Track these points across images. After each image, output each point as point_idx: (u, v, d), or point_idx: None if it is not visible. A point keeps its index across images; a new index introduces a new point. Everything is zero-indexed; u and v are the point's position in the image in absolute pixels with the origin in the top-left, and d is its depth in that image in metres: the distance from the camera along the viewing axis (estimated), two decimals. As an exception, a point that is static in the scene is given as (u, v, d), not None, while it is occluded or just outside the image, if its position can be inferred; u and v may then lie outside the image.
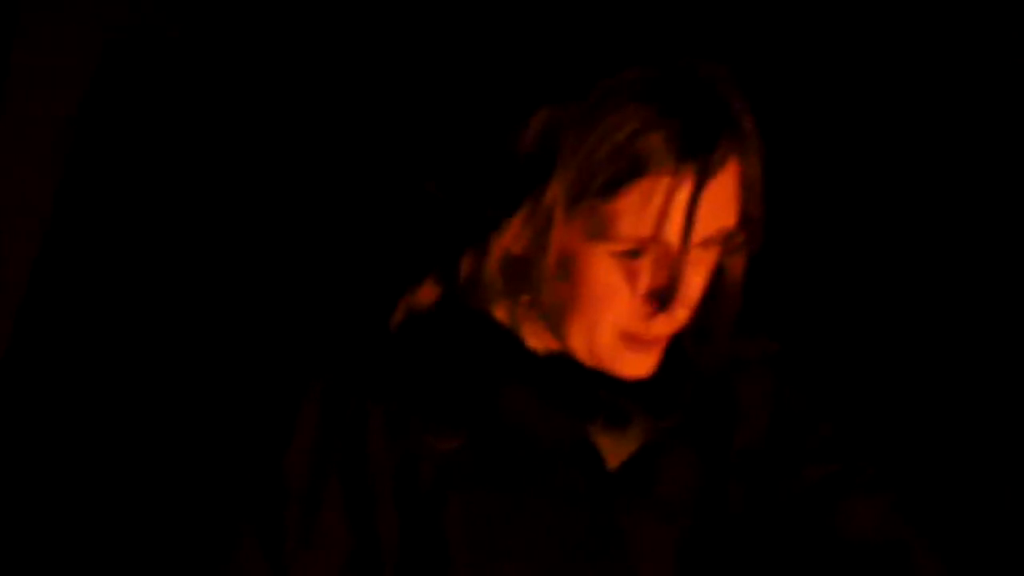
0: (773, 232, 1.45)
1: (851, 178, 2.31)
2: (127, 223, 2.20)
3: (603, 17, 1.57)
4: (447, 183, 1.44)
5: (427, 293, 1.46)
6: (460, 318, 1.44)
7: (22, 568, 2.16)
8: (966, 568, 1.67)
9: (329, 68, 2.20)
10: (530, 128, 1.36)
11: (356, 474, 1.41)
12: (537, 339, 1.46)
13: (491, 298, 1.43)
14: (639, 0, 1.87)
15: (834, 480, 1.53)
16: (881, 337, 2.28)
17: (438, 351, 1.43)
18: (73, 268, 2.21)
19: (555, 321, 1.41)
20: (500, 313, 1.45)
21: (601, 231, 1.35)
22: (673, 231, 1.34)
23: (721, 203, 1.36)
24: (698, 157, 1.32)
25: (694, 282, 1.38)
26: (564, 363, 1.44)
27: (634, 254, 1.36)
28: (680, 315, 1.38)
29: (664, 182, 1.33)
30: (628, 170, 1.32)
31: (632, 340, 1.40)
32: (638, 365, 1.42)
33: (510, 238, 1.38)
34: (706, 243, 1.37)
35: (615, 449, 1.46)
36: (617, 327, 1.39)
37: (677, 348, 1.45)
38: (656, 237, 1.34)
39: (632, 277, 1.37)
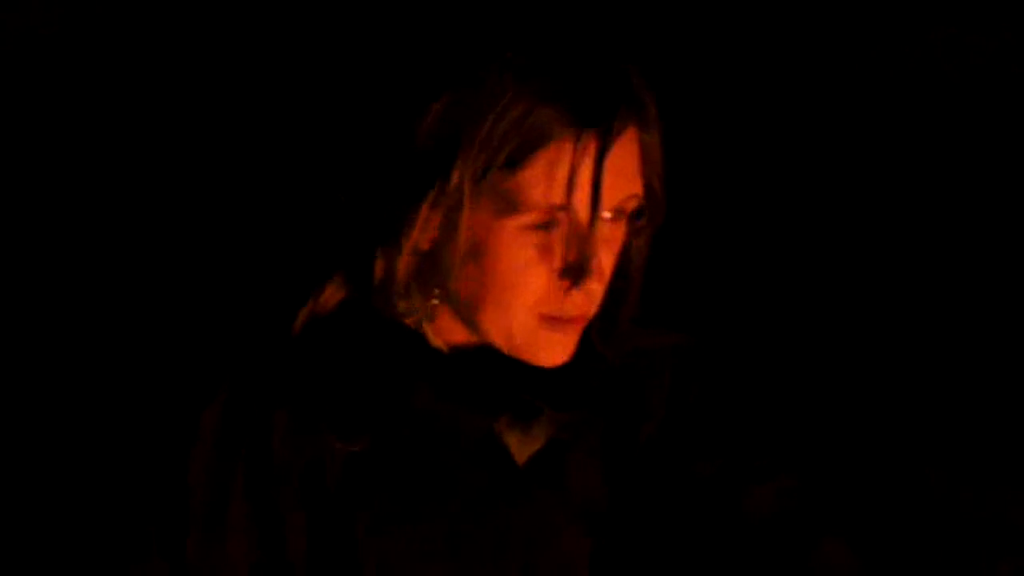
0: (689, 226, 1.42)
1: (769, 174, 2.32)
2: (13, 231, 2.18)
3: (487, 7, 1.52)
4: (348, 184, 1.42)
5: (331, 295, 1.44)
6: (364, 319, 1.42)
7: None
8: (875, 552, 1.66)
9: (224, 70, 2.17)
10: (425, 118, 1.35)
11: (261, 483, 1.39)
12: (451, 335, 1.44)
13: (404, 297, 1.41)
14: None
15: (730, 471, 1.50)
16: (792, 329, 2.28)
17: (342, 353, 1.41)
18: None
19: (470, 312, 1.40)
20: (411, 311, 1.43)
21: (511, 205, 1.34)
22: (581, 197, 1.34)
23: (624, 172, 1.37)
24: (599, 125, 1.33)
25: (606, 256, 1.38)
26: (473, 358, 1.43)
27: (546, 226, 1.35)
28: (595, 289, 1.38)
29: (567, 149, 1.33)
30: (532, 141, 1.33)
31: (550, 321, 1.38)
32: (556, 349, 1.40)
33: (418, 233, 1.37)
34: (614, 216, 1.38)
35: (522, 445, 1.45)
36: (534, 308, 1.37)
37: (584, 342, 1.44)
38: (565, 204, 1.34)
39: (545, 253, 1.36)
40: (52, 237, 2.17)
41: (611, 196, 1.35)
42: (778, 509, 1.52)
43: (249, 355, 1.43)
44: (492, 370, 1.42)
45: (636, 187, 1.38)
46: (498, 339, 1.39)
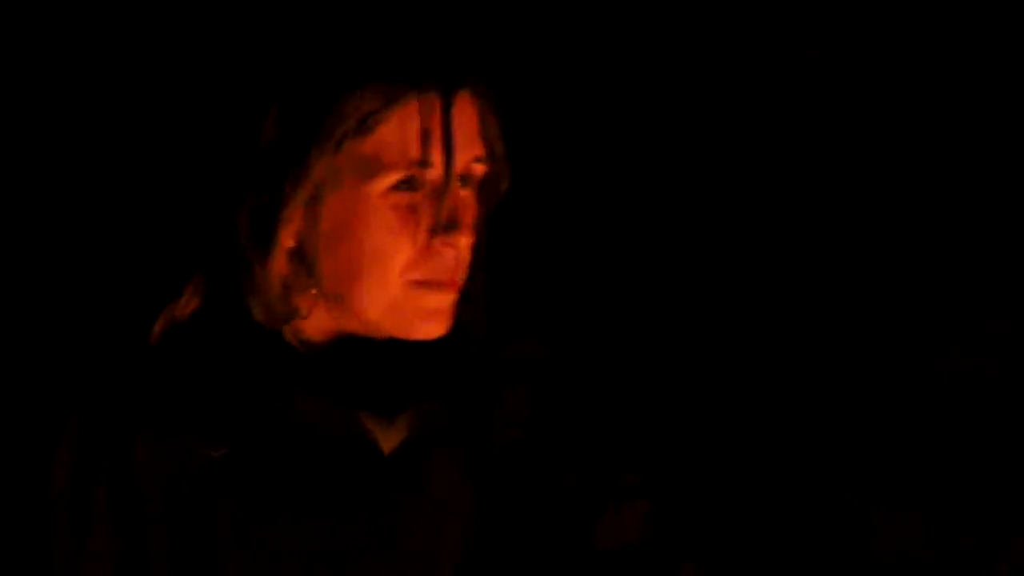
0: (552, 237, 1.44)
1: (630, 185, 2.35)
2: None
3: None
4: (204, 191, 1.44)
5: (187, 303, 1.45)
6: (222, 324, 1.43)
7: None
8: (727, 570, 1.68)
9: (83, 76, 2.16)
10: (268, 118, 1.39)
11: (123, 503, 1.39)
12: (321, 331, 1.45)
13: (283, 299, 1.42)
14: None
15: (592, 488, 1.53)
16: (654, 343, 2.30)
17: (201, 360, 1.42)
18: None
19: (345, 294, 1.42)
20: (292, 312, 1.44)
21: (371, 169, 1.38)
22: (436, 148, 1.39)
23: (467, 131, 1.42)
24: (439, 85, 1.40)
25: (468, 212, 1.42)
26: (335, 354, 1.45)
27: (408, 185, 1.39)
28: (463, 245, 1.41)
29: (414, 107, 1.39)
30: (380, 107, 1.38)
31: (424, 286, 1.41)
32: (433, 320, 1.43)
33: (282, 231, 1.40)
34: (464, 176, 1.42)
35: (387, 435, 1.47)
36: (406, 274, 1.40)
37: (448, 338, 1.46)
38: (422, 158, 1.38)
39: (411, 213, 1.39)
40: None
41: (461, 153, 1.40)
42: (637, 529, 1.55)
43: (106, 368, 1.43)
44: (355, 364, 1.44)
45: (479, 148, 1.43)
46: (375, 316, 1.41)
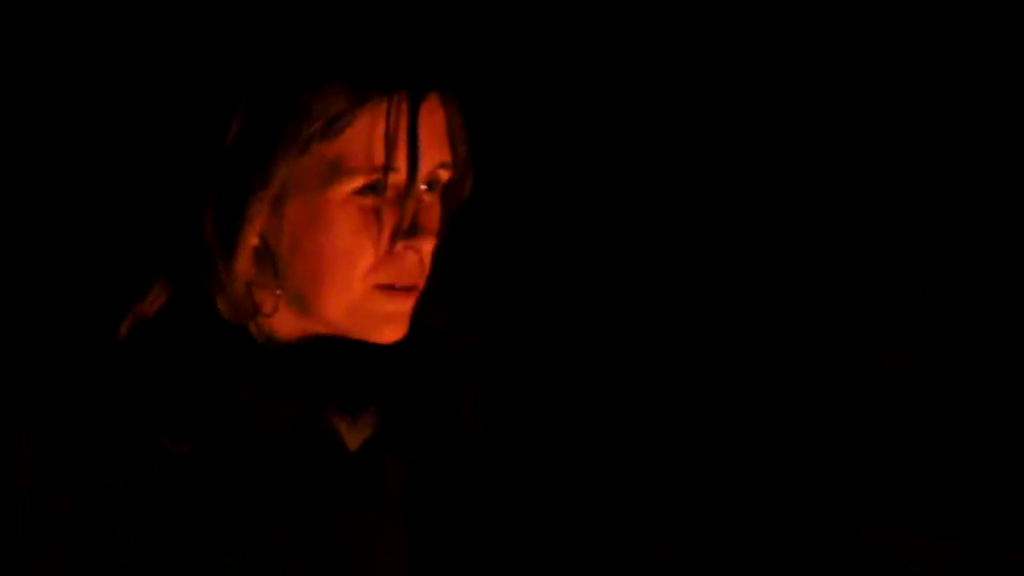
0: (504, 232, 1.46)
1: (576, 181, 2.38)
2: None
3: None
4: (171, 192, 1.46)
5: (155, 299, 1.46)
6: (188, 321, 1.45)
7: None
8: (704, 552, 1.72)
9: (52, 70, 2.16)
10: (235, 116, 1.41)
11: (86, 503, 1.40)
12: (285, 329, 1.47)
13: (247, 297, 1.44)
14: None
15: (553, 471, 1.56)
16: (606, 334, 2.34)
17: (166, 355, 1.44)
18: None
19: (308, 295, 1.43)
20: (255, 310, 1.46)
21: (336, 172, 1.40)
22: (402, 154, 1.41)
23: (434, 137, 1.44)
24: (407, 88, 1.41)
25: (432, 217, 1.45)
26: (299, 352, 1.47)
27: (372, 189, 1.41)
28: (426, 250, 1.44)
29: (381, 112, 1.40)
30: (346, 108, 1.40)
31: (386, 291, 1.43)
32: (393, 323, 1.45)
33: (247, 230, 1.42)
34: (429, 186, 1.45)
35: (353, 433, 1.50)
36: (369, 278, 1.42)
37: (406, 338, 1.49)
38: (387, 164, 1.40)
39: (374, 217, 1.41)
40: None
41: (426, 159, 1.42)
42: (602, 509, 1.59)
43: (68, 365, 1.44)
44: (319, 362, 1.47)
45: (445, 154, 1.45)
46: (337, 318, 1.43)
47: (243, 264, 1.42)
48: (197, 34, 1.56)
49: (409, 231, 1.42)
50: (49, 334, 1.50)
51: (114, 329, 1.44)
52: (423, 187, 1.43)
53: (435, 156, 1.44)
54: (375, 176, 1.40)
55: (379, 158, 1.40)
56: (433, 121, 1.43)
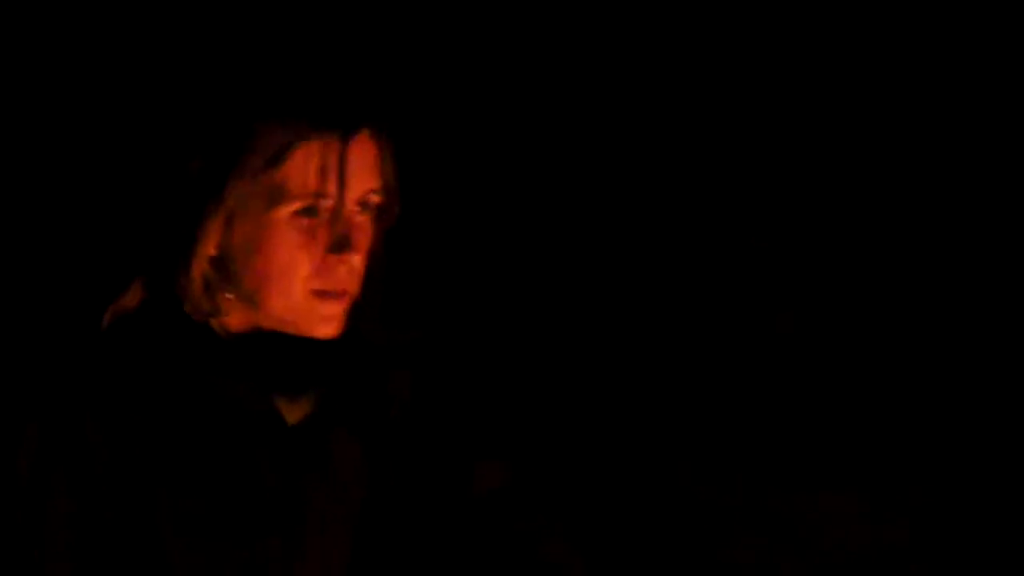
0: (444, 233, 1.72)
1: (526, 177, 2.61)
2: None
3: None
4: (143, 209, 1.74)
5: (133, 296, 1.75)
6: (160, 317, 1.74)
7: None
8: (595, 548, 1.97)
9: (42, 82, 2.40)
10: (196, 152, 1.70)
11: (83, 484, 1.67)
12: (239, 325, 1.75)
13: (205, 296, 1.73)
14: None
15: (460, 460, 1.82)
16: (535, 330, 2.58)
17: (141, 345, 1.72)
18: None
19: (257, 298, 1.72)
20: (213, 308, 1.74)
21: (277, 197, 1.68)
22: (332, 182, 1.69)
23: (364, 166, 1.72)
24: (339, 127, 1.70)
25: (361, 234, 1.73)
26: (252, 344, 1.75)
27: (309, 212, 1.69)
28: (355, 263, 1.71)
29: (316, 147, 1.69)
30: (286, 145, 1.68)
31: (321, 295, 1.71)
32: (328, 322, 1.73)
33: (206, 243, 1.71)
34: (361, 208, 1.72)
35: (292, 410, 1.78)
36: (307, 284, 1.70)
37: (345, 334, 1.76)
38: (321, 190, 1.68)
39: (311, 235, 1.69)
40: None
41: (355, 185, 1.70)
42: (503, 503, 1.84)
43: (60, 356, 1.70)
44: (269, 353, 1.75)
45: (375, 182, 1.73)
46: (282, 317, 1.72)
47: (201, 270, 1.71)
48: (168, 82, 1.83)
49: (340, 247, 1.69)
50: (42, 328, 1.76)
51: (97, 323, 1.72)
52: (355, 209, 1.71)
53: (364, 183, 1.71)
54: (309, 201, 1.68)
55: (313, 185, 1.68)
56: (362, 153, 1.71)
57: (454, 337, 2.22)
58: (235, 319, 1.75)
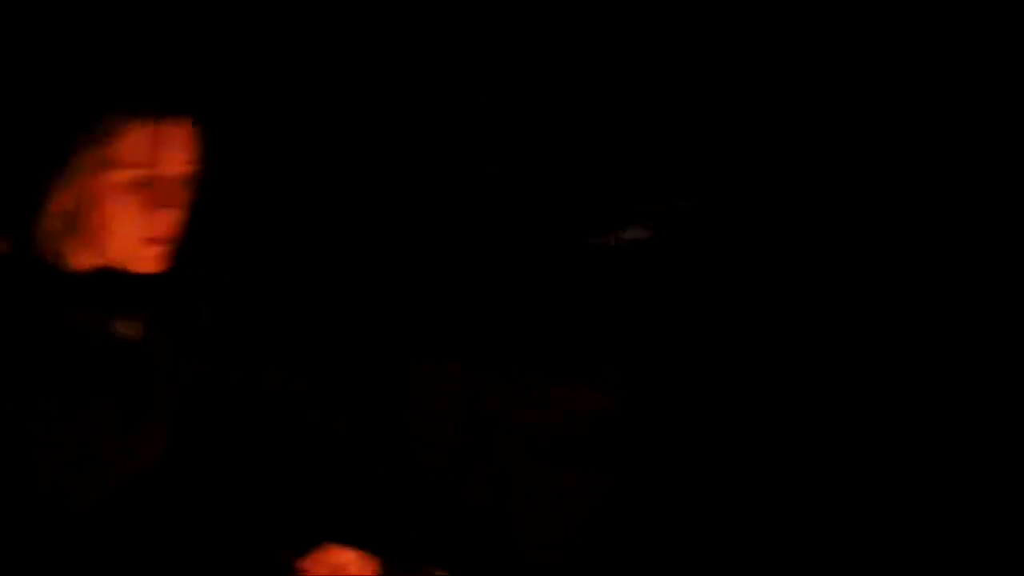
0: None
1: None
2: None
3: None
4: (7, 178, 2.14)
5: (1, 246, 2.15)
6: (22, 262, 2.12)
7: None
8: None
9: None
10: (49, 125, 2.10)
11: None
12: (85, 263, 2.12)
13: (57, 243, 2.11)
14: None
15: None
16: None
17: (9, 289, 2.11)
18: None
19: (98, 246, 2.10)
20: (63, 253, 2.11)
21: (112, 166, 2.06)
22: (157, 156, 2.08)
23: (181, 142, 2.11)
24: (158, 107, 2.09)
25: (177, 197, 2.12)
26: (102, 279, 2.12)
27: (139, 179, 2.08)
28: (172, 218, 2.11)
29: (146, 128, 2.07)
30: (119, 123, 2.06)
31: (147, 241, 2.10)
32: (151, 261, 2.12)
33: (51, 204, 2.10)
34: (180, 176, 2.12)
35: (129, 329, 2.16)
36: (135, 233, 2.09)
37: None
38: (146, 162, 2.06)
39: (139, 199, 2.08)
40: None
41: (170, 160, 2.09)
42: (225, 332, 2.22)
43: None
44: (104, 287, 2.12)
45: (188, 155, 2.11)
46: (118, 258, 2.10)
47: (50, 223, 2.10)
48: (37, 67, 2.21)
49: (164, 207, 2.08)
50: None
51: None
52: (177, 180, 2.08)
53: (179, 157, 2.08)
54: (139, 170, 2.06)
55: (141, 157, 2.06)
56: (178, 131, 2.08)
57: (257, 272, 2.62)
58: (77, 261, 2.12)
